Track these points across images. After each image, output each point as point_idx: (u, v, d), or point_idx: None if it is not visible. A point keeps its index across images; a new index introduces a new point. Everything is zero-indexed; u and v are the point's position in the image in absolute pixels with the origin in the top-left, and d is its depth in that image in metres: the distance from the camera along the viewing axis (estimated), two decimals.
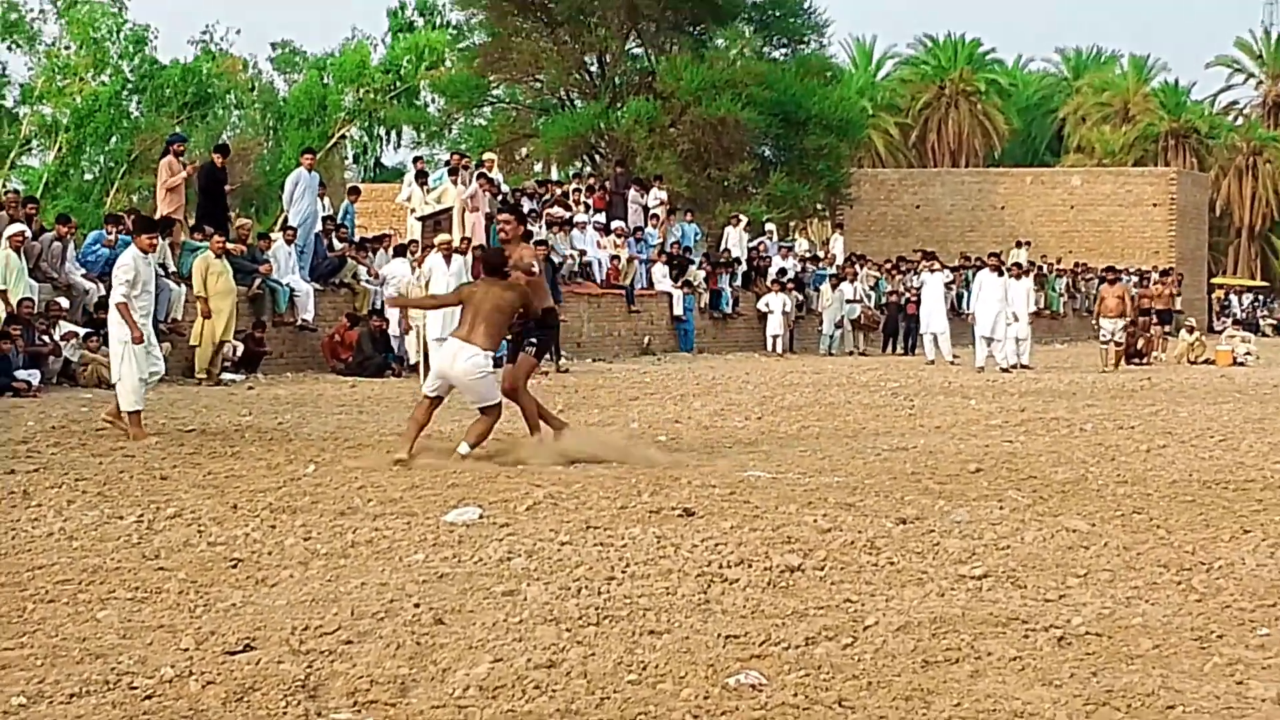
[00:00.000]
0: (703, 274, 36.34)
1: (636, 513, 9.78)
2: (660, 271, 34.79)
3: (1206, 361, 33.67)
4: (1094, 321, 32.61)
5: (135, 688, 5.64)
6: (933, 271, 33.91)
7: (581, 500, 10.29)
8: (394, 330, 24.88)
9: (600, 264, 33.42)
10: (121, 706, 5.41)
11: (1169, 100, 75.10)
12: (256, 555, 8.28)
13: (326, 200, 28.15)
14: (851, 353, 36.98)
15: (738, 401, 19.72)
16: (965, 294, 39.18)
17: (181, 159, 25.58)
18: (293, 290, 25.08)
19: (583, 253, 32.81)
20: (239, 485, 11.05)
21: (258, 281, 24.39)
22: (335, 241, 27.16)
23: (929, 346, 32.73)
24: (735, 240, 39.04)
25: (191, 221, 25.17)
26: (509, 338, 13.49)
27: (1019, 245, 46.86)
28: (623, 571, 7.81)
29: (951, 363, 30.97)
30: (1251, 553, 8.54)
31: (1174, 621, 6.82)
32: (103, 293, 22.05)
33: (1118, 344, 30.83)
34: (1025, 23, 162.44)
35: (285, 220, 26.86)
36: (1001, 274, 30.20)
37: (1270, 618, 6.92)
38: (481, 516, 9.52)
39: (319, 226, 26.73)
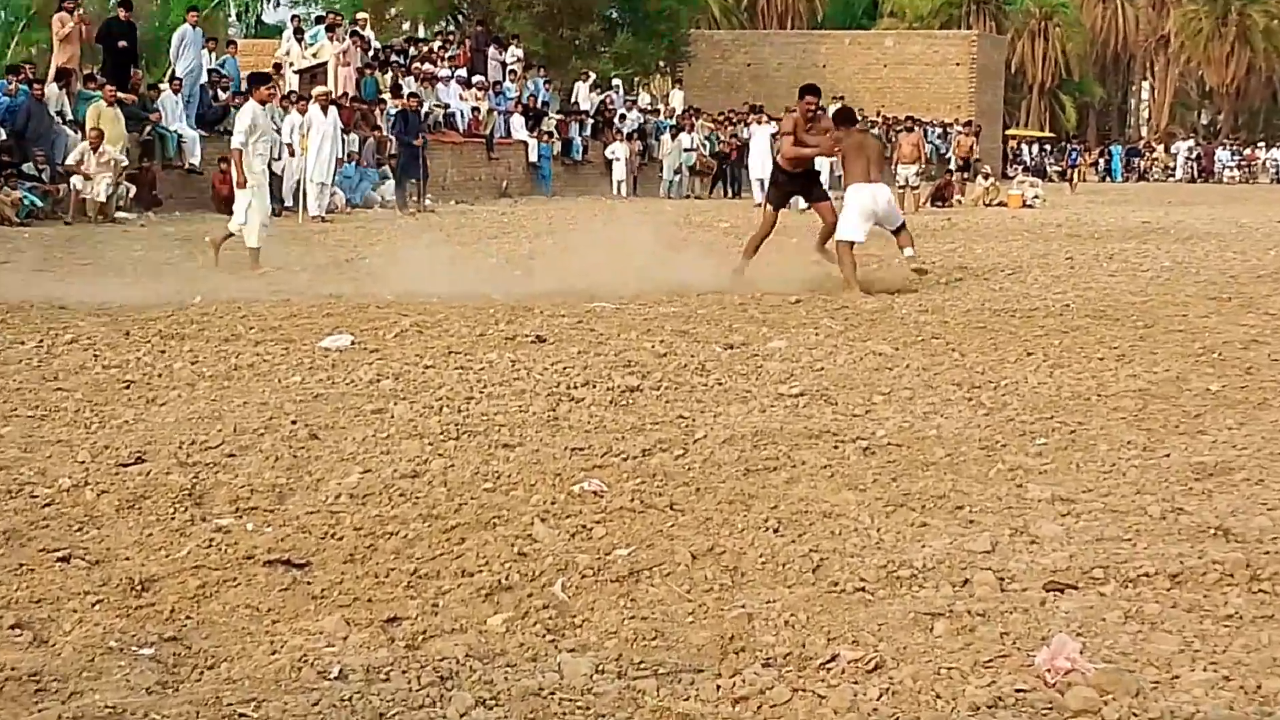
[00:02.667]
0: (555, 123, 36.11)
1: (493, 339, 9.75)
2: (518, 122, 34.49)
3: (1000, 204, 33.98)
4: (893, 168, 32.69)
5: (35, 496, 5.57)
6: (760, 124, 33.98)
7: (444, 328, 10.23)
8: (290, 173, 24.39)
9: (463, 115, 33.08)
10: (23, 513, 5.34)
11: None
12: (147, 377, 8.16)
13: (211, 54, 27.44)
14: (688, 196, 36.95)
15: (586, 239, 19.60)
16: None
17: (73, 13, 24.76)
18: (180, 136, 24.60)
19: (446, 105, 32.43)
20: (131, 314, 10.85)
21: (147, 128, 23.88)
22: (219, 93, 26.59)
23: (757, 191, 32.77)
24: (584, 95, 38.75)
25: (89, 70, 24.44)
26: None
27: (836, 100, 46.81)
28: (480, 392, 7.80)
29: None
30: (1034, 372, 8.67)
31: (964, 433, 6.93)
32: (2, 136, 21.45)
33: (914, 188, 30.90)
34: None
35: (172, 72, 26.18)
36: None
37: (1048, 429, 7.04)
38: (353, 343, 9.45)
39: (204, 78, 26.15)
